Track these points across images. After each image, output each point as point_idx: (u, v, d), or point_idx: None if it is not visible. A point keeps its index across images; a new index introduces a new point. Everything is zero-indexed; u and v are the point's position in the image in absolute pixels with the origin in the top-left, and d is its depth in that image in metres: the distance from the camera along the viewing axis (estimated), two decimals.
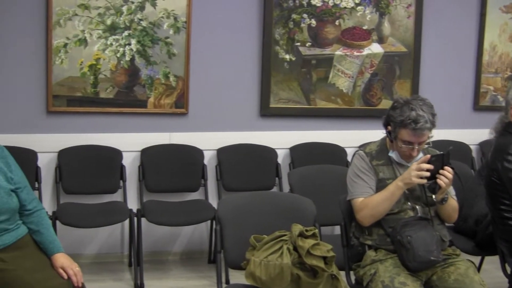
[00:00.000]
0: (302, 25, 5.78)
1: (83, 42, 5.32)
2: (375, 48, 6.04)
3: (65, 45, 5.29)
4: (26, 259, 3.28)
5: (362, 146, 5.41)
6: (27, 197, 3.42)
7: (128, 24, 5.37)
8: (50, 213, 3.54)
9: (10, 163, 3.41)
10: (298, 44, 5.80)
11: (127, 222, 5.22)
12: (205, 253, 5.70)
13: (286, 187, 5.65)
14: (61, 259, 3.37)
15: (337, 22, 5.87)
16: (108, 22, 5.33)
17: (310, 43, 5.83)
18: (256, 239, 3.33)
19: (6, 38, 5.22)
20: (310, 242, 3.19)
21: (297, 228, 3.25)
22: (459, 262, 3.49)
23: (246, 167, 5.70)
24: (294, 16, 5.73)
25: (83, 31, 5.30)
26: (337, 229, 5.22)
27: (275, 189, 5.77)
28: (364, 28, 5.95)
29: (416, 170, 3.37)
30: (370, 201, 3.51)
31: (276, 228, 3.38)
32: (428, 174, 3.37)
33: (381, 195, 3.49)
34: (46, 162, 5.39)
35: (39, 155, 5.30)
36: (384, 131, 3.66)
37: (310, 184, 4.61)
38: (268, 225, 3.49)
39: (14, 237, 3.30)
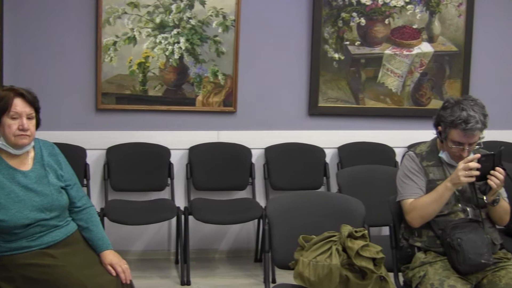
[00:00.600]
0: (352, 24, 5.72)
1: (132, 40, 5.34)
2: (425, 47, 5.95)
3: (115, 43, 5.32)
4: (76, 256, 3.30)
5: (411, 146, 5.41)
6: (77, 195, 3.45)
7: (177, 23, 5.38)
8: (98, 209, 3.57)
9: (61, 160, 3.44)
10: (347, 43, 5.74)
11: (174, 219, 5.24)
12: (252, 252, 5.68)
13: (334, 187, 5.62)
14: (110, 256, 3.39)
15: (386, 21, 5.80)
16: (157, 20, 5.35)
17: (359, 42, 5.77)
18: (304, 239, 3.31)
19: (57, 36, 5.29)
20: (359, 243, 3.15)
21: (346, 229, 3.21)
22: (510, 266, 3.41)
23: (294, 166, 5.66)
24: (343, 14, 5.68)
25: (132, 29, 5.33)
26: (384, 230, 5.20)
27: (322, 188, 5.72)
28: (414, 27, 5.88)
29: (464, 170, 3.30)
30: (419, 203, 3.46)
31: (325, 229, 3.35)
32: (477, 173, 3.30)
33: (430, 197, 3.44)
34: (95, 159, 5.43)
35: (88, 152, 5.35)
36: (435, 131, 3.60)
37: (358, 184, 4.55)
38: (316, 225, 3.46)
39: (64, 234, 3.33)
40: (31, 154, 3.34)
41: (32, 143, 3.31)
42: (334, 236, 3.25)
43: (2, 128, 3.17)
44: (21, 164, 3.28)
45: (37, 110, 3.29)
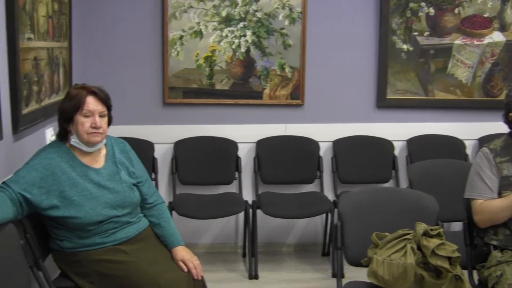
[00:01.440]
0: (420, 14, 5.61)
1: (198, 34, 5.34)
2: (497, 36, 5.80)
3: (181, 37, 5.33)
4: (148, 252, 3.33)
5: (482, 139, 5.31)
6: (148, 191, 3.47)
7: (243, 16, 5.35)
8: (166, 203, 3.58)
9: (132, 157, 3.47)
10: (416, 33, 5.63)
11: (242, 213, 5.21)
12: (319, 246, 5.65)
13: (402, 181, 5.57)
14: (182, 252, 3.41)
15: (456, 10, 5.67)
16: (223, 13, 5.33)
17: (428, 33, 5.65)
18: (378, 236, 3.25)
19: (124, 31, 5.33)
20: (435, 241, 3.08)
21: (421, 227, 3.15)
22: None
23: (362, 159, 5.60)
24: (411, 4, 5.57)
25: (198, 23, 5.33)
26: (454, 226, 5.09)
27: (391, 182, 5.64)
28: (485, 16, 5.73)
29: None
30: (489, 206, 3.36)
31: (398, 226, 3.29)
32: None
33: (502, 203, 3.33)
34: (163, 153, 5.46)
35: (155, 146, 5.38)
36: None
37: (430, 179, 4.45)
38: (389, 222, 3.41)
39: (136, 230, 3.36)
40: (103, 151, 3.37)
41: (104, 141, 3.34)
42: (409, 234, 3.18)
43: (74, 126, 3.20)
44: (94, 162, 3.31)
45: (109, 107, 3.32)
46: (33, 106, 3.79)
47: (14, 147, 3.47)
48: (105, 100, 3.27)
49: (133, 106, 5.33)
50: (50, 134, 4.21)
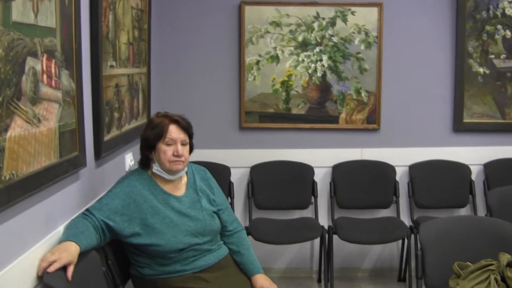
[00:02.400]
0: (497, 36, 5.54)
1: (275, 59, 5.39)
2: None
3: (258, 62, 5.38)
4: (228, 279, 3.35)
5: None
6: (228, 218, 3.50)
7: (319, 40, 5.38)
8: None
9: (212, 185, 3.50)
10: (492, 56, 5.56)
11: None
12: (395, 271, 5.59)
13: (479, 205, 5.51)
14: (261, 280, 3.42)
15: None
16: (300, 38, 5.37)
17: (505, 55, 5.58)
18: (460, 266, 3.20)
19: (201, 56, 5.43)
20: None
21: (505, 257, 3.08)
22: None
23: (439, 183, 5.53)
24: (487, 27, 5.51)
25: (275, 48, 5.38)
26: None
27: (468, 207, 5.56)
28: None
29: None
30: None
31: (481, 255, 3.22)
32: None
33: None
34: (239, 177, 5.51)
35: (232, 170, 5.42)
36: None
37: (511, 206, 4.37)
38: (471, 252, 3.35)
39: (216, 258, 3.38)
40: (184, 179, 3.41)
41: (186, 169, 3.37)
42: (492, 264, 3.12)
43: (157, 154, 3.25)
44: (175, 189, 3.35)
45: (190, 136, 3.35)
46: (114, 132, 3.87)
47: (95, 173, 3.55)
48: (187, 129, 3.32)
49: (210, 130, 5.40)
50: (129, 159, 4.30)
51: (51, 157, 2.74)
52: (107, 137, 3.67)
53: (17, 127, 2.37)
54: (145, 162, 3.33)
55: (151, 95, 4.90)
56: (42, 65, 2.62)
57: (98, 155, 3.51)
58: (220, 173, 5.18)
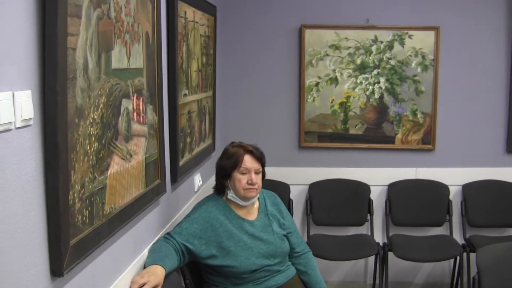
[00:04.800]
0: None
1: (334, 81, 5.57)
2: None
3: (317, 84, 5.57)
4: None
5: None
6: (296, 241, 3.71)
7: (377, 63, 5.55)
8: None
9: (282, 209, 3.72)
10: None
11: None
12: (447, 286, 5.74)
13: None
14: None
15: None
16: (358, 61, 5.55)
17: None
18: None
19: (263, 78, 5.65)
20: None
21: None
22: None
23: (491, 203, 5.66)
24: None
25: (334, 70, 5.56)
26: None
27: None
28: None
29: None
30: None
31: None
32: None
33: None
34: (297, 194, 5.72)
35: (291, 187, 5.62)
36: None
37: None
38: None
39: (285, 278, 3.60)
40: (256, 204, 3.63)
41: (258, 195, 3.59)
42: None
43: (232, 182, 3.48)
44: (248, 214, 3.57)
45: (263, 165, 3.57)
46: (186, 156, 4.10)
47: (171, 197, 3.78)
48: (260, 158, 3.54)
49: (271, 149, 5.51)
50: (198, 180, 4.53)
51: (139, 187, 2.99)
52: (181, 162, 3.91)
53: (115, 165, 2.61)
54: (220, 189, 3.56)
55: (215, 117, 5.12)
56: (133, 105, 2.86)
57: (174, 180, 3.74)
58: (280, 190, 5.36)
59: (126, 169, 2.76)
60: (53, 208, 2.04)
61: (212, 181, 4.83)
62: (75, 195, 2.19)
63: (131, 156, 2.83)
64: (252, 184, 3.46)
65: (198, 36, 4.42)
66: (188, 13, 4.04)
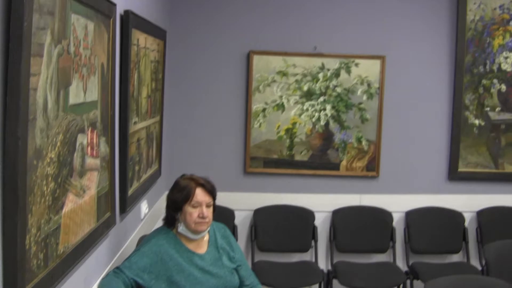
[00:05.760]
0: (492, 90, 5.78)
1: (280, 107, 5.59)
2: None
3: (264, 109, 5.58)
4: None
5: None
6: (246, 273, 3.69)
7: (323, 90, 5.59)
8: None
9: (232, 242, 3.69)
10: (488, 109, 5.80)
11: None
12: None
13: (472, 252, 5.75)
14: None
15: None
16: (305, 88, 5.58)
17: (499, 108, 5.82)
18: None
19: (210, 103, 5.63)
20: None
21: None
22: None
23: (434, 230, 5.75)
24: (484, 81, 5.75)
25: (281, 96, 5.58)
26: None
27: (460, 253, 5.78)
28: None
29: None
30: None
31: None
32: None
33: None
34: (242, 220, 5.69)
35: (236, 212, 5.60)
36: None
37: (506, 261, 4.56)
38: None
39: None
40: (206, 237, 3.59)
41: (209, 228, 3.55)
42: None
43: (183, 215, 3.43)
44: (198, 247, 3.53)
45: (214, 198, 3.53)
46: (135, 185, 4.05)
47: (120, 227, 3.72)
48: (211, 191, 3.51)
49: (216, 174, 5.43)
50: (144, 207, 4.48)
51: (91, 223, 2.93)
52: (130, 191, 3.85)
53: (70, 202, 2.56)
54: (170, 221, 3.51)
55: (162, 141, 5.07)
56: (87, 139, 2.81)
57: (123, 210, 3.69)
58: (224, 215, 5.36)
59: (79, 205, 2.71)
60: (9, 257, 1.97)
61: (157, 207, 4.82)
62: (31, 239, 2.13)
63: (84, 191, 2.78)
64: (203, 217, 3.42)
65: (149, 62, 4.37)
66: (140, 40, 4.00)
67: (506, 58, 5.73)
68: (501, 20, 5.70)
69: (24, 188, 2.01)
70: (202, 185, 3.48)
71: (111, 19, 3.18)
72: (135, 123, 3.97)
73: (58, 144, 2.37)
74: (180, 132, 5.60)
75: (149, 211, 4.65)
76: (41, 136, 2.17)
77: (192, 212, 3.42)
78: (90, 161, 2.86)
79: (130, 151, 3.83)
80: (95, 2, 2.82)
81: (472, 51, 5.70)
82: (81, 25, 2.63)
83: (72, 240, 2.62)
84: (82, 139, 2.72)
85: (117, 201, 3.55)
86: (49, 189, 2.28)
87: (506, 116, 5.86)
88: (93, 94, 2.89)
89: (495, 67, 5.75)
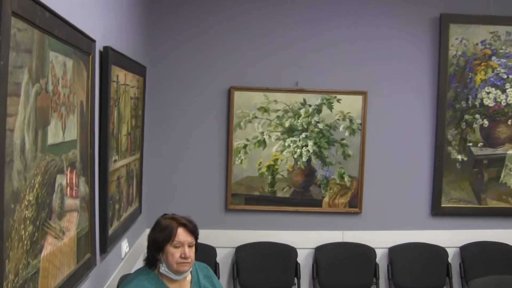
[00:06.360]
0: (475, 125, 5.78)
1: (262, 143, 5.54)
2: None
3: (245, 146, 5.53)
4: None
5: None
6: None
7: (305, 127, 5.55)
8: None
9: (215, 282, 3.62)
10: (470, 144, 5.80)
11: None
12: None
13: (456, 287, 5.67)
14: None
15: (509, 122, 5.83)
16: (286, 124, 5.54)
17: (482, 143, 5.81)
18: None
19: (190, 139, 5.58)
20: None
21: None
22: None
23: (417, 265, 5.71)
24: (466, 116, 5.75)
25: (262, 132, 5.54)
26: None
27: None
28: None
29: None
30: None
31: None
32: None
33: None
34: (223, 257, 5.61)
35: (217, 250, 5.51)
36: None
37: None
38: None
39: None
40: (189, 277, 3.51)
41: (191, 268, 3.48)
42: None
43: (164, 255, 3.35)
44: None
45: (196, 238, 3.46)
46: (115, 224, 3.97)
47: (100, 268, 3.63)
48: (193, 231, 3.43)
49: (197, 211, 5.38)
50: (125, 246, 4.39)
51: (71, 265, 2.85)
52: (110, 231, 3.77)
53: (49, 245, 2.48)
54: (152, 262, 3.42)
55: (142, 179, 5.00)
56: (67, 179, 2.74)
57: (103, 250, 3.61)
58: (206, 253, 5.29)
59: (59, 248, 2.63)
60: None
61: (138, 246, 4.74)
62: (9, 285, 2.05)
63: (63, 233, 2.70)
64: (185, 258, 3.34)
65: (129, 98, 4.31)
66: (120, 76, 3.95)
67: (488, 93, 5.73)
68: (483, 56, 5.72)
69: (0, 233, 1.93)
70: (184, 225, 3.40)
71: (90, 56, 3.13)
72: (115, 161, 3.91)
73: (37, 186, 2.30)
74: (161, 169, 5.54)
75: (130, 250, 4.56)
76: (19, 178, 2.10)
77: (174, 253, 3.34)
78: (69, 202, 2.79)
79: (110, 190, 3.75)
80: (74, 39, 2.77)
81: (454, 86, 5.70)
82: (60, 62, 2.57)
83: (52, 284, 2.54)
84: (61, 180, 2.65)
85: (97, 242, 3.46)
86: (27, 233, 2.21)
87: (488, 151, 5.85)
88: (72, 133, 2.83)
89: (477, 102, 5.75)
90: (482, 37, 5.72)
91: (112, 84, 3.69)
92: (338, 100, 5.57)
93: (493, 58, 5.73)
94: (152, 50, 5.39)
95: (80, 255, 3.02)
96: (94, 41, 3.17)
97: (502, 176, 5.90)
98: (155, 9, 5.41)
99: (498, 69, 5.74)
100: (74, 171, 2.88)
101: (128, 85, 4.24)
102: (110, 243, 3.77)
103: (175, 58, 5.47)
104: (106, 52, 3.52)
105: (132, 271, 3.70)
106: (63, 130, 2.66)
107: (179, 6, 5.46)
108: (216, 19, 5.51)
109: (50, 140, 2.47)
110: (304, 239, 5.67)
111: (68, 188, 2.77)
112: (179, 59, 5.48)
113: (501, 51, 5.74)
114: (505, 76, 5.75)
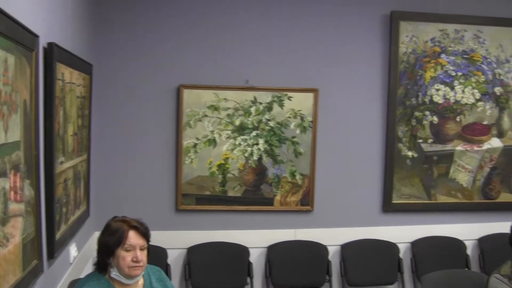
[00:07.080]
0: (424, 122, 5.80)
1: (212, 142, 5.46)
2: (495, 142, 6.00)
3: (195, 145, 5.44)
4: None
5: (481, 239, 5.61)
6: None
7: (256, 125, 5.49)
8: None
9: (168, 285, 3.54)
10: (420, 140, 5.82)
11: None
12: None
13: (407, 284, 5.81)
14: None
15: (458, 118, 5.87)
16: (237, 122, 5.47)
17: (432, 140, 5.83)
18: None
19: (139, 139, 5.45)
20: None
21: None
22: None
23: (369, 262, 5.72)
24: (416, 113, 5.76)
25: (212, 131, 5.45)
26: None
27: (396, 285, 5.76)
28: (484, 123, 5.93)
29: None
30: None
31: None
32: None
33: None
34: (175, 258, 5.52)
35: (168, 251, 5.42)
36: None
37: None
38: None
39: None
40: (141, 281, 3.42)
41: (143, 272, 3.38)
42: None
43: (115, 259, 3.24)
44: None
45: (148, 240, 3.36)
46: (62, 228, 3.84)
47: (48, 275, 3.51)
48: (145, 234, 3.33)
49: (146, 212, 5.29)
50: (73, 250, 4.26)
51: (16, 273, 2.73)
52: (58, 236, 3.65)
53: None
54: (102, 266, 3.31)
55: (90, 180, 4.88)
56: (10, 183, 2.62)
57: (51, 256, 3.48)
58: (157, 254, 5.16)
59: (3, 256, 2.51)
60: None
61: (87, 249, 4.62)
62: None
63: (8, 240, 2.58)
64: (137, 261, 3.24)
65: (75, 97, 4.19)
66: (65, 75, 3.82)
67: (437, 90, 5.76)
68: (433, 53, 5.73)
69: None
70: (135, 228, 3.30)
71: (34, 52, 3.00)
72: (61, 162, 3.78)
73: None
74: (109, 170, 5.40)
75: (79, 254, 4.44)
76: None
77: (125, 256, 3.23)
78: (13, 207, 2.67)
79: (57, 192, 3.62)
80: (16, 33, 2.64)
81: (404, 84, 5.70)
82: (0, 58, 2.45)
83: None
84: (4, 184, 2.53)
85: (44, 247, 3.34)
86: None
87: (438, 147, 5.88)
88: (15, 134, 2.71)
89: (427, 99, 5.77)
90: (431, 35, 5.73)
91: (57, 82, 3.56)
92: (289, 98, 5.52)
93: (442, 55, 5.75)
94: (99, 47, 5.25)
95: (26, 262, 2.90)
96: (37, 36, 3.05)
97: (451, 171, 5.94)
98: (102, 5, 5.27)
99: (447, 66, 5.76)
100: (18, 174, 2.76)
101: (74, 83, 4.12)
102: (58, 248, 3.65)
103: (123, 56, 5.35)
104: (51, 49, 3.38)
105: (81, 276, 3.58)
106: (5, 131, 2.55)
107: (126, 3, 5.34)
108: (165, 17, 5.39)
109: None
110: (256, 238, 5.61)
111: (12, 192, 2.65)
112: (127, 57, 5.35)
113: (450, 48, 5.76)
114: (453, 74, 5.78)
